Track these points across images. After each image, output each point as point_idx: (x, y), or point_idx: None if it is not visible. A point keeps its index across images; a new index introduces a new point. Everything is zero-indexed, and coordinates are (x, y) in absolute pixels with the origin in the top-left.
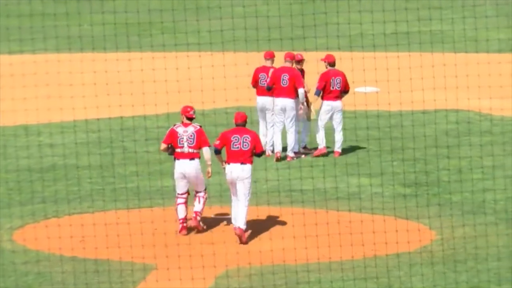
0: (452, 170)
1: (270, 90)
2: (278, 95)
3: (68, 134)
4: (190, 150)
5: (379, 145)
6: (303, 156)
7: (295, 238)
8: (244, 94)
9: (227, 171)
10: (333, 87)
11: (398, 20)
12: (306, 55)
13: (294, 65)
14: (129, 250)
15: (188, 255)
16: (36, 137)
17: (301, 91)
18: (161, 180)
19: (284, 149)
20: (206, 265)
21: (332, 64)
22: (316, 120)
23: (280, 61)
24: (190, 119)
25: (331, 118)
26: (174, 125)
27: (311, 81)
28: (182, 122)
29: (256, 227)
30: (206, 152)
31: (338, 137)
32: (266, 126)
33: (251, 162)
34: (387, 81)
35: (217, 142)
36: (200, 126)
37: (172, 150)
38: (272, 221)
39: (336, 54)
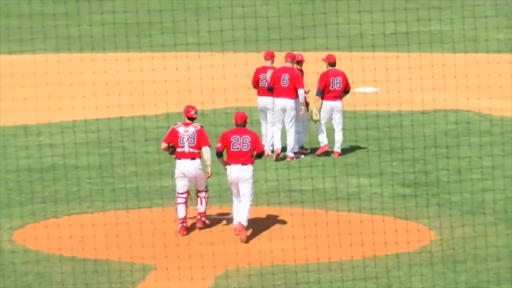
0: (452, 170)
1: (271, 91)
2: (278, 95)
3: (67, 134)
4: (191, 150)
5: (379, 145)
6: (302, 156)
7: (295, 238)
8: (243, 94)
9: (228, 172)
10: (333, 87)
11: (397, 20)
12: (305, 55)
13: (294, 66)
14: (128, 250)
15: (187, 255)
16: (36, 137)
17: (301, 91)
18: (161, 181)
19: (284, 149)
20: (205, 265)
21: (332, 64)
22: (319, 120)
23: (280, 61)
24: (192, 119)
25: (331, 118)
26: (175, 124)
27: (311, 81)
28: (183, 122)
29: (256, 227)
30: (206, 151)
31: (338, 137)
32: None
33: (252, 163)
34: (386, 81)
35: (219, 145)
36: (201, 126)
37: (172, 149)
38: (271, 221)
39: (336, 54)
